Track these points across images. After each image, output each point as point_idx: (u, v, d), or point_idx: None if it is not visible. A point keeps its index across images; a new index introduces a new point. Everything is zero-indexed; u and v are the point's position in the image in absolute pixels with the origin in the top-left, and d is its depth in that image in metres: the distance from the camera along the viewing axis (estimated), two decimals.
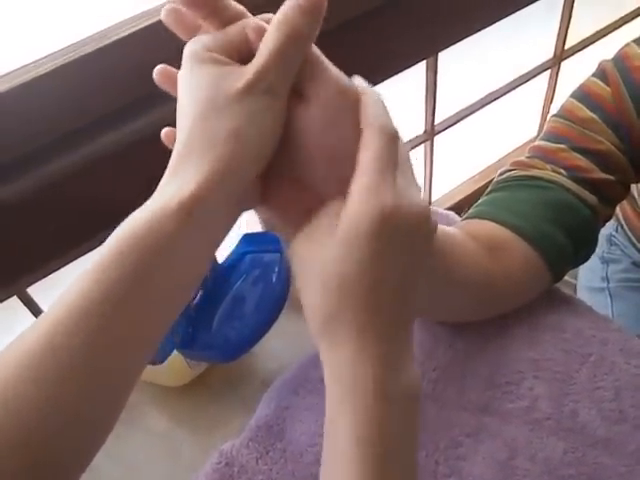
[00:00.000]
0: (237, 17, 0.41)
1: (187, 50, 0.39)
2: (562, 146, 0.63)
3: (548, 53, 1.42)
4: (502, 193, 0.63)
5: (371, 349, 0.37)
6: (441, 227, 0.53)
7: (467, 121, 1.36)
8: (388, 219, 0.36)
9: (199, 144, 0.37)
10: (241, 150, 0.37)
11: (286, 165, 0.40)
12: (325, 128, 0.39)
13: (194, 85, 0.38)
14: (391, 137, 0.38)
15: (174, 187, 0.36)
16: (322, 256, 0.37)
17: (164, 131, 0.44)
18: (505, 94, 1.38)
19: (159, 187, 0.37)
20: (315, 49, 0.40)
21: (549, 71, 1.45)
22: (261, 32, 0.39)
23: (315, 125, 0.39)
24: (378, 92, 0.40)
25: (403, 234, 0.37)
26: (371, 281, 0.36)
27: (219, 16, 0.40)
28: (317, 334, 0.39)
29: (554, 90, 1.50)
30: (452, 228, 0.58)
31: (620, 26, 1.50)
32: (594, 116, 0.63)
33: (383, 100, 0.40)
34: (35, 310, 0.86)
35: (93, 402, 0.34)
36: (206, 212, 0.36)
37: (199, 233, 0.36)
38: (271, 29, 0.38)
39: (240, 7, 0.41)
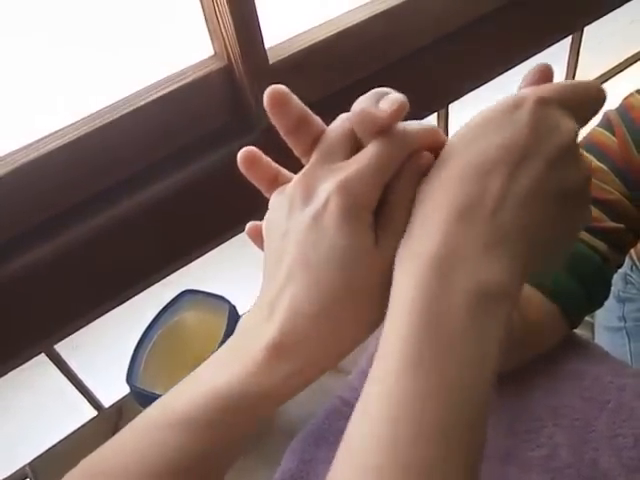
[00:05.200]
0: None
1: (340, 201, 0.33)
2: None
3: None
4: None
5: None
6: None
7: None
8: (538, 103, 0.35)
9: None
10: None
11: None
12: None
13: (336, 239, 0.33)
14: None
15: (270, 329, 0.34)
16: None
17: (249, 226, 0.41)
18: None
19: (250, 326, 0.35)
20: None
21: None
22: None
23: None
24: None
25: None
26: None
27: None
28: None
29: None
30: None
31: (624, 69, 1.52)
32: (603, 166, 0.64)
33: None
34: (62, 366, 0.88)
35: None
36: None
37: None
38: None
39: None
